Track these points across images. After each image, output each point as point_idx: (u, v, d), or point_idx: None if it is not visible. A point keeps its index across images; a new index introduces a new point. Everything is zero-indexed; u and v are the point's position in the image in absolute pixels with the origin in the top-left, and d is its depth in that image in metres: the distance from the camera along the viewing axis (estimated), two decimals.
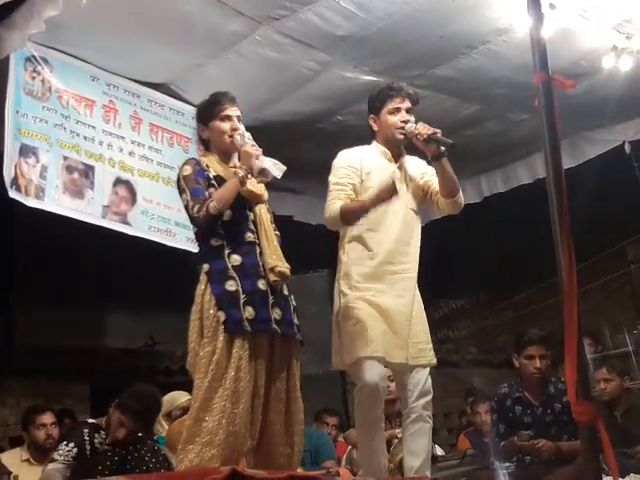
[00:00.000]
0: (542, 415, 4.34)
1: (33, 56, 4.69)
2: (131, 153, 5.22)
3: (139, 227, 5.24)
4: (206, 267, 3.10)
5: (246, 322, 3.00)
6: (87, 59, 4.96)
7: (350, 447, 4.99)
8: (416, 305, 3.56)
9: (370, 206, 3.41)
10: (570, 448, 4.07)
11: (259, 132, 5.74)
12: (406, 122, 3.58)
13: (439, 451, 5.87)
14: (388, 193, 3.40)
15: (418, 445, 3.48)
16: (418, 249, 3.63)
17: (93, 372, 7.00)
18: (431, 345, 3.56)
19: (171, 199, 5.40)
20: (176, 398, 4.94)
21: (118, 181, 5.15)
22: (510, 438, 4.28)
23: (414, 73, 5.31)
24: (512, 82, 5.28)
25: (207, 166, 3.21)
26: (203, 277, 3.10)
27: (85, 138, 4.97)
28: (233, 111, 3.35)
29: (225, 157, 3.32)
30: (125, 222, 5.17)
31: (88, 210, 4.96)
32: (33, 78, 4.71)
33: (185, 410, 4.70)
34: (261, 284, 3.11)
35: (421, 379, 3.49)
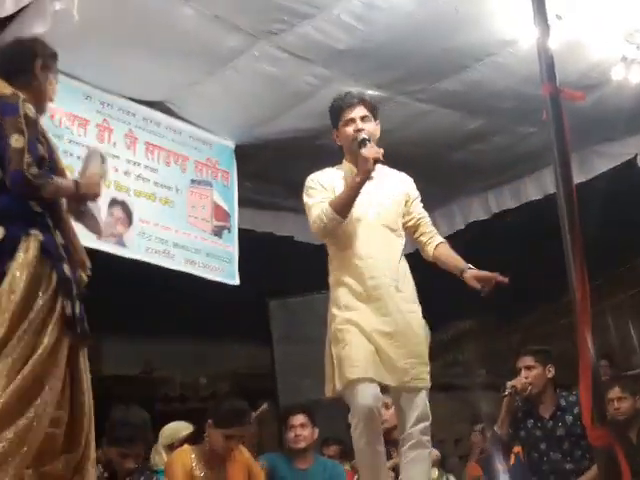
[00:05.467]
0: (553, 428, 4.38)
1: None
2: (126, 173, 5.23)
3: (136, 249, 5.24)
4: None
5: None
6: (80, 77, 4.98)
7: (357, 476, 4.98)
8: (410, 323, 3.46)
9: (351, 189, 3.38)
10: None
11: (258, 150, 5.83)
12: (360, 131, 3.49)
13: (451, 478, 5.84)
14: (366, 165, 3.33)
15: (417, 472, 3.43)
16: (403, 265, 3.56)
17: None
18: (427, 367, 3.46)
19: (169, 220, 5.42)
20: (179, 430, 4.93)
21: (114, 202, 5.15)
22: None
23: (417, 87, 5.33)
24: (519, 95, 5.29)
25: None
26: None
27: (78, 158, 4.95)
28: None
29: None
30: (120, 244, 5.17)
31: (82, 233, 4.94)
32: None
33: (184, 441, 4.69)
34: None
35: (419, 403, 3.43)
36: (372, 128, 3.57)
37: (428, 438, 3.44)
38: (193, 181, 5.67)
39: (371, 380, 3.38)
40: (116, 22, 4.35)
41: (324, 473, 4.88)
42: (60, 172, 2.92)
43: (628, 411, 4.80)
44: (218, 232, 5.78)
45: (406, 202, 3.65)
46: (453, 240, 7.23)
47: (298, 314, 6.76)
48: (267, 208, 6.75)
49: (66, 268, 2.79)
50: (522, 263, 8.34)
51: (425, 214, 3.67)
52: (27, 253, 2.68)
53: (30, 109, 2.79)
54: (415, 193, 3.68)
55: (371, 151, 3.34)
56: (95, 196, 2.95)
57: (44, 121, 4.77)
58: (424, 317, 3.63)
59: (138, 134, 5.33)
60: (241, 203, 5.98)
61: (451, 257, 3.59)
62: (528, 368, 4.47)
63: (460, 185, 6.99)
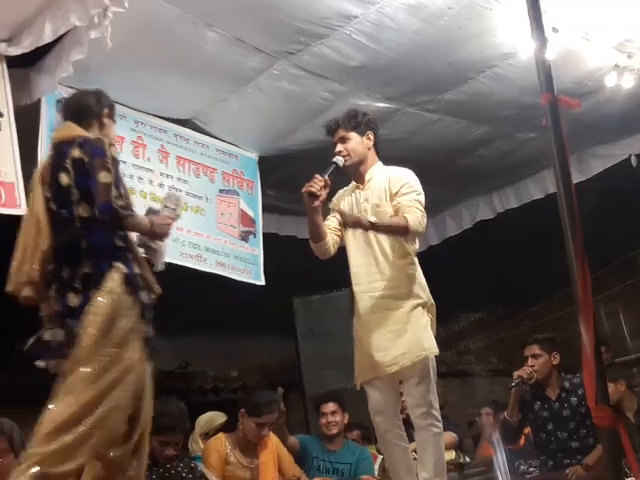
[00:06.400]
0: (559, 409, 4.37)
1: (64, 98, 4.74)
2: (161, 185, 5.26)
3: (171, 254, 5.23)
4: None
5: None
6: (115, 99, 4.94)
7: (382, 457, 5.00)
8: (386, 319, 3.50)
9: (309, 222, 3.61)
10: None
11: (279, 160, 5.84)
12: (337, 154, 3.62)
13: (466, 459, 5.83)
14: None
15: (424, 455, 3.47)
16: (399, 263, 3.55)
17: None
18: (401, 350, 3.42)
19: (200, 226, 5.45)
20: (213, 419, 4.97)
21: (150, 212, 5.15)
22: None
23: (425, 98, 5.33)
24: (519, 103, 5.28)
25: None
26: None
27: None
28: None
29: None
30: None
31: None
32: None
33: (219, 429, 4.72)
34: None
35: (411, 392, 3.49)
36: (352, 144, 3.65)
37: (430, 422, 3.45)
38: (221, 191, 5.69)
39: (370, 381, 3.56)
40: (146, 48, 4.39)
41: (353, 456, 4.93)
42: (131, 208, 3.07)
43: (617, 395, 4.80)
44: (245, 237, 5.80)
45: (392, 195, 3.61)
46: (461, 239, 7.25)
47: (320, 310, 6.77)
48: (289, 213, 6.76)
49: (144, 295, 2.97)
50: (527, 258, 8.32)
51: (403, 200, 3.54)
52: (112, 283, 2.84)
53: (114, 152, 2.96)
54: (397, 185, 3.59)
55: (305, 186, 3.44)
56: (164, 236, 3.13)
57: None
58: (436, 308, 3.64)
59: (170, 149, 5.36)
60: (265, 209, 6.01)
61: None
62: (534, 356, 4.46)
63: (467, 187, 6.97)
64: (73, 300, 2.86)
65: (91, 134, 3.06)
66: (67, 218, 2.93)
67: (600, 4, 4.40)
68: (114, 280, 2.86)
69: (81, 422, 2.72)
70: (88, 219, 2.91)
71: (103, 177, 2.85)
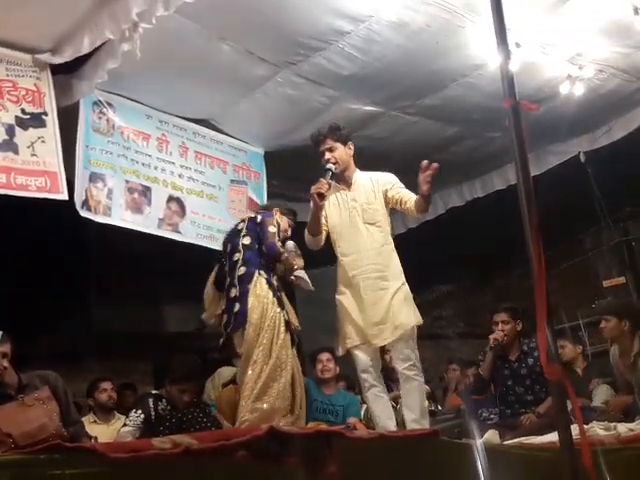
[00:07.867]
0: (518, 368, 4.39)
1: (99, 100, 4.73)
2: (180, 175, 5.25)
3: (188, 235, 5.28)
4: None
5: None
6: (143, 101, 5.00)
7: (366, 406, 5.04)
8: (381, 298, 3.58)
9: (311, 214, 3.68)
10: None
11: (282, 155, 5.83)
12: (327, 161, 3.67)
13: (438, 407, 5.85)
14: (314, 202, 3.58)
15: (411, 400, 3.58)
16: (387, 249, 3.65)
17: (155, 352, 7.03)
18: (393, 324, 3.56)
19: (213, 211, 5.45)
20: (225, 372, 4.97)
21: (170, 198, 5.18)
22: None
23: (406, 103, 5.31)
24: (486, 107, 5.26)
25: None
26: None
27: (143, 165, 5.00)
28: None
29: None
30: (177, 231, 5.21)
31: (147, 223, 5.00)
32: (99, 118, 4.75)
33: (230, 381, 4.72)
34: None
35: (400, 349, 3.59)
36: (338, 153, 3.73)
37: (415, 373, 3.57)
38: (232, 181, 5.68)
39: (358, 346, 3.65)
40: (170, 58, 4.36)
41: (344, 400, 5.01)
42: None
43: (572, 354, 4.87)
44: None
45: (385, 193, 3.69)
46: (435, 223, 7.25)
47: (316, 282, 6.78)
48: (290, 200, 6.69)
49: (279, 295, 3.65)
50: (491, 239, 8.33)
51: (404, 191, 3.72)
52: (259, 286, 3.61)
53: (279, 219, 3.90)
54: (391, 182, 3.75)
55: (314, 188, 3.52)
56: (300, 266, 3.90)
57: (117, 138, 4.87)
58: (415, 281, 3.68)
59: (189, 145, 5.34)
60: (270, 197, 5.99)
61: (418, 198, 3.63)
62: (504, 322, 4.45)
63: (441, 179, 6.88)
64: (233, 291, 3.67)
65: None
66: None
67: (556, 24, 4.39)
68: (260, 283, 3.61)
69: (267, 392, 3.41)
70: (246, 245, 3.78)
71: (270, 228, 3.75)
